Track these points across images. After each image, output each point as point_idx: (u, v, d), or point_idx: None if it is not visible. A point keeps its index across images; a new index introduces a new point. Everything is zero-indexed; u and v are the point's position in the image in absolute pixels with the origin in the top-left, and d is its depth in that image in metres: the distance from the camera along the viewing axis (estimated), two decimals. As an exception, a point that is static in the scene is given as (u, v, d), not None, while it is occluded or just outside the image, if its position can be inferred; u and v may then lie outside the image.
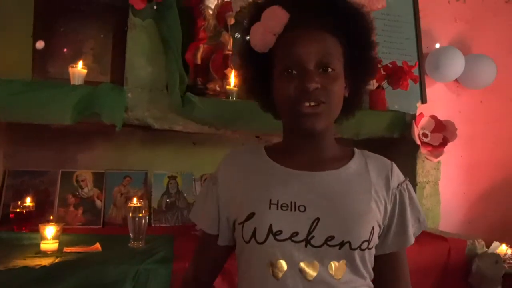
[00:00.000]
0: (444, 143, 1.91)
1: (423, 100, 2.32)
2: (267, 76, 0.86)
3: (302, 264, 0.77)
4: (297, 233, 0.77)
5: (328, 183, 0.82)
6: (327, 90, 0.78)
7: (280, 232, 0.78)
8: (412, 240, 0.87)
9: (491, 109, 2.68)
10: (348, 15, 0.81)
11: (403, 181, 0.88)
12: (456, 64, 2.39)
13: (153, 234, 1.62)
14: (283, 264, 0.78)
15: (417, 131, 1.87)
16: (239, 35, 1.92)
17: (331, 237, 0.77)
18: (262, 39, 0.82)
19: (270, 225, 0.78)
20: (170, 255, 1.37)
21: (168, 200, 1.92)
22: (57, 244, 1.36)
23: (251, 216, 0.80)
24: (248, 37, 0.86)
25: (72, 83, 1.50)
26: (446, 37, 2.56)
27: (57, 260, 1.26)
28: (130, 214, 1.47)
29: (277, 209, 0.79)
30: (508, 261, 1.97)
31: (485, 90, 2.62)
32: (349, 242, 0.77)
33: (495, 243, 1.95)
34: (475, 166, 2.62)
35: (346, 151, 0.90)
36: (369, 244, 0.80)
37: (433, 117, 1.93)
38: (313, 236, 0.77)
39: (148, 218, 1.71)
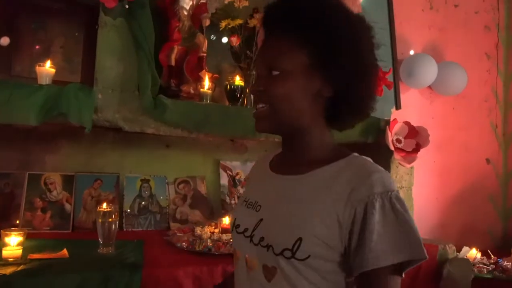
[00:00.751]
0: (417, 148, 1.94)
1: (398, 106, 2.35)
2: None
3: (247, 257, 0.84)
4: (247, 229, 0.85)
5: (286, 187, 0.84)
6: (267, 92, 0.81)
7: (238, 226, 0.88)
8: (371, 263, 0.71)
9: (462, 116, 2.75)
10: (303, 16, 0.80)
11: (376, 194, 0.73)
12: (429, 71, 2.44)
13: (125, 238, 1.58)
14: (238, 254, 0.87)
15: (390, 137, 1.89)
16: (214, 37, 1.90)
17: (262, 238, 0.80)
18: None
19: (235, 219, 0.91)
20: (140, 261, 1.34)
21: (140, 204, 1.88)
22: (21, 250, 1.31)
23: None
24: None
25: (39, 82, 1.45)
26: (420, 44, 2.61)
27: (19, 268, 1.21)
28: (100, 219, 1.43)
29: (245, 206, 0.89)
30: (477, 265, 2.01)
31: (457, 97, 2.69)
32: (272, 247, 0.78)
33: (465, 248, 1.99)
34: (447, 171, 2.68)
35: (334, 155, 0.83)
36: (293, 254, 0.74)
37: (407, 123, 1.95)
38: (254, 234, 0.83)
39: (120, 222, 1.68)
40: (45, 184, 1.74)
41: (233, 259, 0.91)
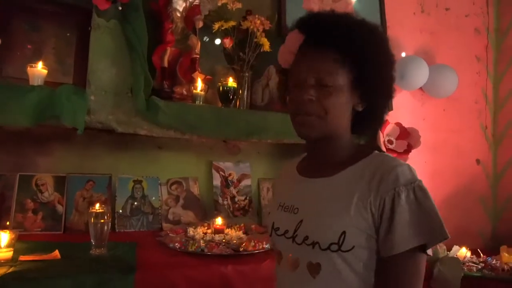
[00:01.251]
0: (408, 149, 1.97)
1: (390, 108, 2.36)
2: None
3: (290, 256, 0.92)
4: (287, 231, 0.93)
5: (318, 189, 0.93)
6: (321, 104, 0.89)
7: (278, 228, 0.96)
8: (398, 249, 0.82)
9: (453, 118, 2.78)
10: (351, 37, 0.89)
11: (402, 186, 0.84)
12: (421, 73, 2.46)
13: (117, 240, 1.58)
14: (281, 253, 0.95)
15: (382, 138, 1.91)
16: (207, 39, 1.91)
17: (307, 237, 0.88)
18: (283, 57, 0.99)
19: (273, 223, 0.99)
20: (132, 263, 1.34)
21: (133, 204, 1.88)
22: (12, 252, 1.31)
23: (269, 213, 1.07)
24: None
25: (31, 83, 1.44)
26: (412, 47, 2.63)
27: (10, 270, 1.20)
28: (92, 220, 1.43)
29: (281, 210, 0.97)
30: (467, 264, 2.04)
31: (448, 99, 2.72)
32: (318, 243, 0.86)
33: (455, 247, 2.01)
34: (439, 172, 2.70)
35: (358, 155, 0.93)
36: (340, 247, 0.85)
37: (398, 124, 1.98)
38: (296, 235, 0.90)
39: (112, 223, 1.67)
40: (37, 185, 1.73)
41: (276, 259, 0.98)
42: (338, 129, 0.93)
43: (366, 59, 0.90)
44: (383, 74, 0.93)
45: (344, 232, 0.85)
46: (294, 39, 0.95)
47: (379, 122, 1.01)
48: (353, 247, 0.85)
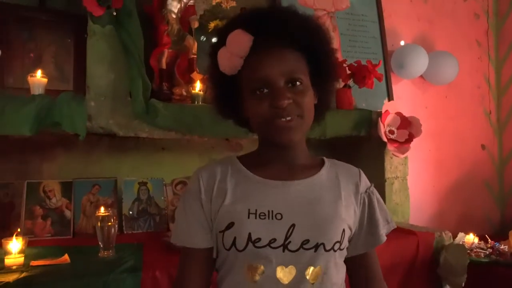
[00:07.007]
0: (410, 139, 1.95)
1: (390, 97, 2.37)
2: (236, 96, 0.90)
3: (279, 269, 0.82)
4: (274, 240, 0.82)
5: (301, 191, 0.88)
6: (298, 104, 0.83)
7: (259, 239, 0.82)
8: (383, 239, 0.94)
9: (456, 104, 2.77)
10: (306, 30, 0.86)
11: (370, 186, 0.96)
12: (420, 61, 2.45)
13: (125, 241, 1.60)
14: (262, 268, 0.82)
15: (383, 128, 1.91)
16: (204, 38, 1.92)
17: (306, 241, 0.82)
18: (229, 63, 0.86)
19: (249, 234, 0.83)
20: (139, 263, 1.36)
21: (139, 206, 1.91)
22: (23, 258, 1.33)
23: (230, 225, 0.85)
24: (213, 61, 0.90)
25: (32, 92, 1.47)
26: (410, 35, 2.62)
27: (22, 275, 1.23)
28: (99, 224, 1.45)
29: (256, 218, 0.84)
30: (475, 250, 2.04)
31: (449, 86, 2.71)
32: (323, 244, 0.83)
33: (461, 234, 2.01)
34: (443, 160, 2.70)
35: (316, 160, 0.96)
36: (340, 245, 0.86)
37: (399, 113, 1.97)
38: (290, 241, 0.82)
39: (120, 226, 1.70)
40: (44, 192, 1.76)
41: (248, 276, 0.83)
42: (309, 128, 0.90)
43: (321, 54, 0.89)
44: (333, 66, 0.93)
45: (343, 231, 0.86)
46: (241, 42, 0.84)
47: (325, 112, 0.97)
48: (346, 245, 0.89)
